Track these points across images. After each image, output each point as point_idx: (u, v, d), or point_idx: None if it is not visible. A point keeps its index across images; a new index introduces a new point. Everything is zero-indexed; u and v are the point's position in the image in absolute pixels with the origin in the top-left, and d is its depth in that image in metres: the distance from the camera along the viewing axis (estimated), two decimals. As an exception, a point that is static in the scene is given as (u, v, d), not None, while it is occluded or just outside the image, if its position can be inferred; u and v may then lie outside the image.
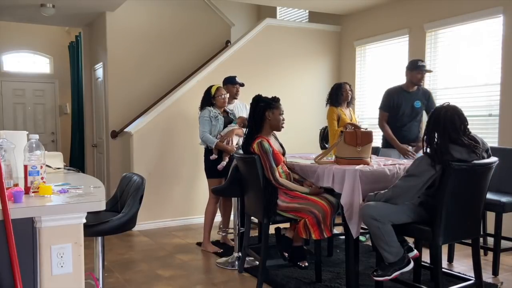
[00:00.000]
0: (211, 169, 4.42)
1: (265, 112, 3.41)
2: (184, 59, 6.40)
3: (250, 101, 3.58)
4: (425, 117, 4.41)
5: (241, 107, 4.84)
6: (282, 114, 3.48)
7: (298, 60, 6.34)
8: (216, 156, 4.36)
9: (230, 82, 4.74)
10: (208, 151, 4.43)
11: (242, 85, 4.78)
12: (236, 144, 4.42)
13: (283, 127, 3.50)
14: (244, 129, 4.50)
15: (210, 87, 4.50)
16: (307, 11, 7.12)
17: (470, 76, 4.92)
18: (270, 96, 3.52)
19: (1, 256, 1.63)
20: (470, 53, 4.92)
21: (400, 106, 4.35)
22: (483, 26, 4.78)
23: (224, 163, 4.37)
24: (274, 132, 3.58)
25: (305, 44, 6.36)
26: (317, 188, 3.31)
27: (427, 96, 4.45)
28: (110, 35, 5.93)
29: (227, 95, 4.51)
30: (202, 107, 4.47)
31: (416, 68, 4.30)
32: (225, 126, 4.44)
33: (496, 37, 4.64)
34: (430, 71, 4.46)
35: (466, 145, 2.68)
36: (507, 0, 4.49)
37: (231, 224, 4.87)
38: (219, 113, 4.43)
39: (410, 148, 4.31)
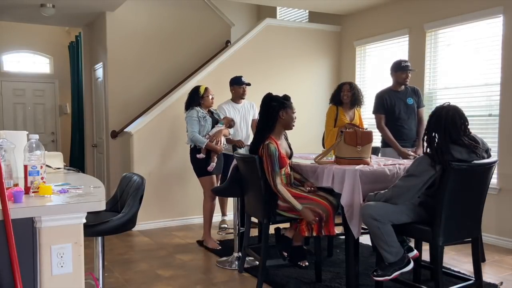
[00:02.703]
0: (201, 168, 4.45)
1: (279, 111, 3.35)
2: (184, 59, 6.40)
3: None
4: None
5: (248, 107, 4.85)
6: (295, 112, 3.42)
7: (298, 60, 6.33)
8: (204, 156, 4.40)
9: (237, 83, 4.76)
10: (195, 151, 4.45)
11: (248, 84, 4.78)
12: (223, 144, 4.44)
13: (294, 126, 3.44)
14: (230, 130, 4.54)
15: (198, 87, 4.52)
16: (307, 11, 7.12)
17: (470, 76, 4.91)
18: (283, 94, 3.46)
19: (1, 256, 1.63)
20: (470, 53, 4.91)
21: (394, 104, 4.43)
22: (483, 26, 4.78)
23: (213, 164, 4.42)
24: (285, 131, 3.55)
25: (305, 44, 6.36)
26: (311, 208, 3.19)
27: (416, 93, 4.57)
28: (110, 35, 5.93)
29: (214, 96, 4.53)
30: (189, 107, 4.47)
31: (400, 69, 4.42)
32: (212, 127, 4.46)
33: (496, 37, 4.64)
34: (414, 70, 4.56)
35: (466, 145, 2.68)
36: (507, 0, 4.49)
37: (231, 224, 4.88)
38: (206, 114, 4.45)
39: (411, 152, 4.33)
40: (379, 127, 4.48)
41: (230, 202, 5.26)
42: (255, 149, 3.37)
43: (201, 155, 4.40)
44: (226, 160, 4.62)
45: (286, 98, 3.42)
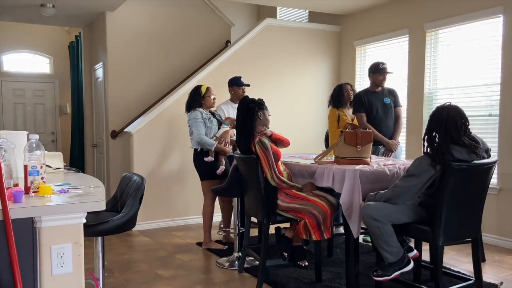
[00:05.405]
0: (208, 171, 4.38)
1: (258, 112, 3.47)
2: (184, 59, 6.40)
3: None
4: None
5: None
6: (270, 115, 3.59)
7: (298, 60, 6.33)
8: (213, 159, 4.33)
9: (236, 84, 4.71)
10: (201, 153, 4.36)
11: (248, 85, 4.76)
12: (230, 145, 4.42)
13: (268, 127, 3.58)
14: (234, 130, 4.51)
15: (199, 87, 4.45)
16: (307, 11, 7.11)
17: (470, 76, 4.91)
18: (258, 98, 3.60)
19: (1, 256, 1.63)
20: (470, 53, 4.91)
21: (372, 104, 4.61)
22: (483, 26, 4.78)
23: (223, 167, 4.36)
24: None
25: (305, 44, 6.36)
26: (310, 183, 3.34)
27: (393, 93, 4.76)
28: (110, 35, 5.93)
29: (215, 96, 4.48)
30: (191, 108, 4.38)
31: (378, 71, 4.60)
32: (217, 128, 4.44)
33: (496, 37, 4.63)
34: (391, 73, 4.71)
35: (466, 145, 2.68)
36: (507, 0, 4.49)
37: (231, 224, 4.87)
38: (210, 115, 4.41)
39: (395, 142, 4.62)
40: (362, 125, 4.58)
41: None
42: (247, 149, 3.41)
43: (209, 158, 4.31)
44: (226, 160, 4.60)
45: (261, 100, 3.57)
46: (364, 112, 4.61)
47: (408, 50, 5.52)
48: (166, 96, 5.78)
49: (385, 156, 4.50)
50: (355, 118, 4.60)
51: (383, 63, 4.66)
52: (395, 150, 4.58)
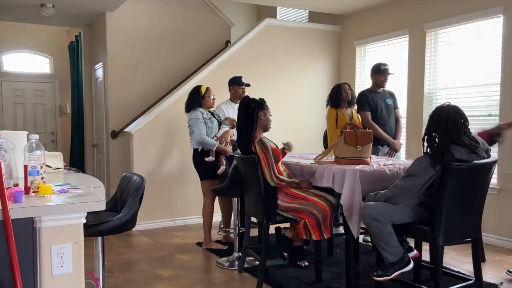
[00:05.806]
0: (208, 171, 4.39)
1: (258, 112, 3.47)
2: (184, 59, 6.40)
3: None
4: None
5: None
6: (271, 115, 3.59)
7: (298, 60, 6.33)
8: (214, 158, 4.34)
9: (237, 83, 4.71)
10: (202, 153, 4.37)
11: (248, 85, 4.77)
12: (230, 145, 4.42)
13: (270, 127, 3.59)
14: (233, 130, 4.52)
15: (199, 87, 4.47)
16: (307, 11, 7.12)
17: (470, 76, 4.91)
18: (258, 98, 3.59)
19: (1, 256, 1.63)
20: (470, 53, 4.91)
21: (377, 103, 4.68)
22: (483, 26, 4.78)
23: (224, 167, 4.36)
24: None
25: (305, 44, 6.36)
26: (307, 180, 3.36)
27: (392, 95, 4.85)
28: (110, 35, 5.93)
29: (215, 96, 4.49)
30: (191, 108, 4.39)
31: (379, 72, 4.69)
32: (218, 128, 4.44)
33: (496, 37, 4.63)
34: (392, 74, 4.77)
35: (466, 145, 2.69)
36: (507, 0, 4.49)
37: (231, 224, 4.87)
38: (211, 114, 4.42)
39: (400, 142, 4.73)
40: (367, 123, 4.60)
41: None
42: (247, 149, 3.41)
43: (210, 158, 4.32)
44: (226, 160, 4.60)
45: (263, 100, 3.56)
46: (369, 110, 4.64)
47: (408, 50, 5.52)
48: (166, 96, 5.78)
49: (389, 156, 4.52)
50: (353, 117, 4.58)
51: (384, 64, 4.69)
52: (399, 150, 4.64)
